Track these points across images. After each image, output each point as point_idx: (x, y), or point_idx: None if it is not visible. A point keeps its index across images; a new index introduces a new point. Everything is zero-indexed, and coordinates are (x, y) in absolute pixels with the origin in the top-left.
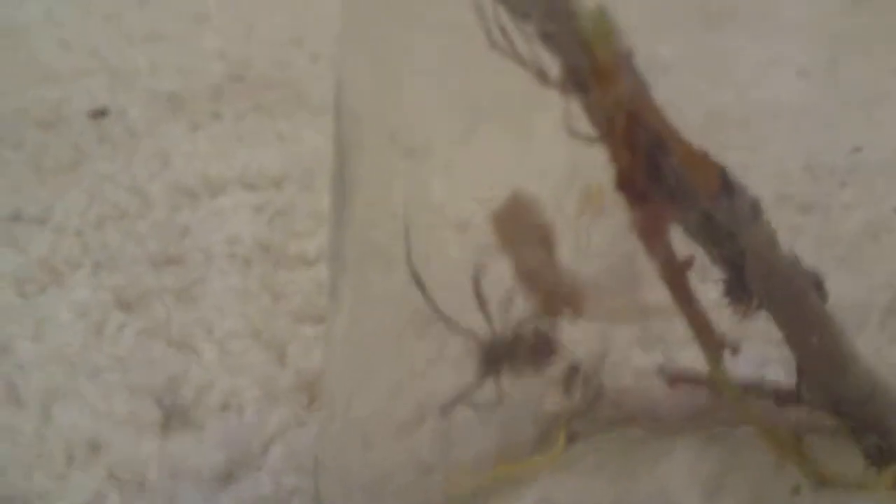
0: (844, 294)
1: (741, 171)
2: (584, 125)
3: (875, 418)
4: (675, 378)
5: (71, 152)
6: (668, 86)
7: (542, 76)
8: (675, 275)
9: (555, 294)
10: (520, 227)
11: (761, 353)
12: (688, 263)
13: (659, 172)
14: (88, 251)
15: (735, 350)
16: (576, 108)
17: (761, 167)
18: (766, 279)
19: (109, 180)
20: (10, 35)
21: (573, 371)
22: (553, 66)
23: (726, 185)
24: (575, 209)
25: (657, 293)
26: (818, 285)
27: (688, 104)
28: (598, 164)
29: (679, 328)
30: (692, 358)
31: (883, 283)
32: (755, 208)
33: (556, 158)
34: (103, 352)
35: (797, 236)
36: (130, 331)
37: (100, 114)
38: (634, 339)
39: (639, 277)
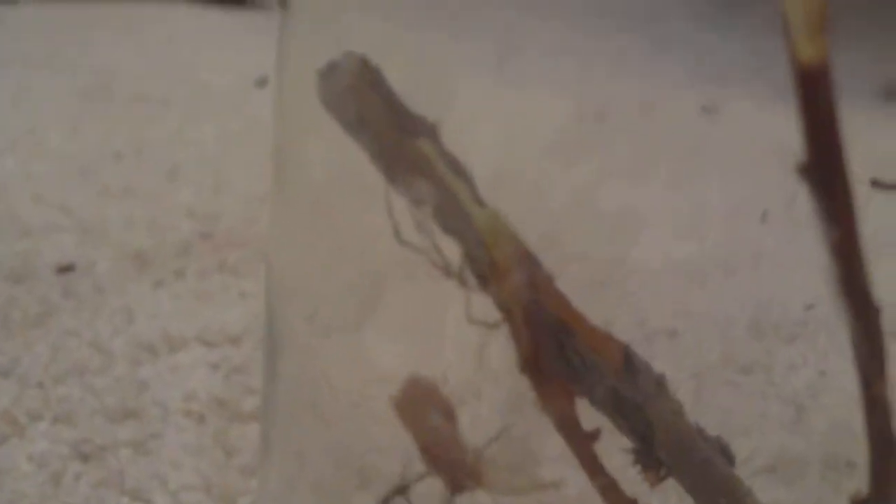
0: (784, 448)
1: (692, 330)
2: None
3: None
4: None
5: (38, 306)
6: (630, 234)
7: (444, 268)
8: (583, 446)
9: (458, 469)
10: (420, 408)
11: None
12: (594, 435)
13: (563, 352)
14: (49, 404)
15: None
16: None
17: (710, 324)
18: (674, 448)
19: (73, 335)
20: None
21: None
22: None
23: (629, 362)
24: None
25: (555, 468)
26: (724, 451)
27: (653, 256)
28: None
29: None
30: None
31: (823, 438)
32: (659, 383)
33: (460, 341)
34: (59, 501)
35: (738, 395)
36: (87, 481)
37: (67, 269)
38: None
39: (537, 452)
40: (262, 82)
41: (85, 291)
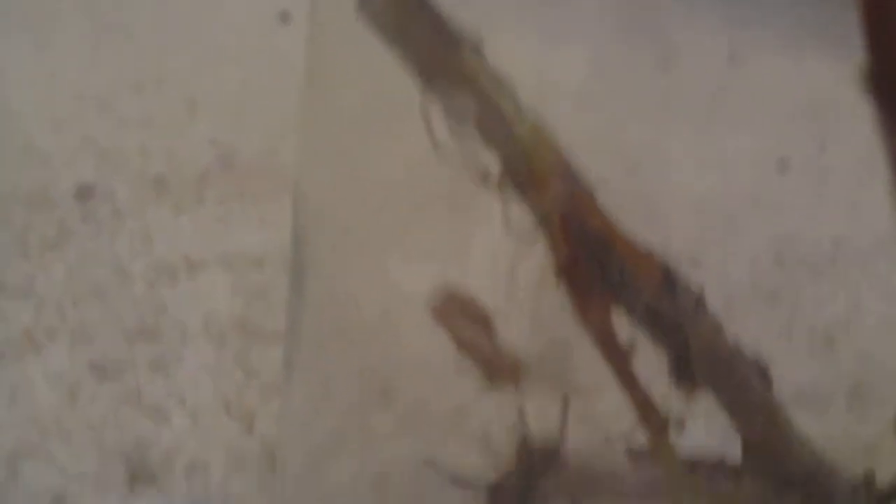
0: (811, 380)
1: (717, 260)
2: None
3: (822, 496)
4: (640, 458)
5: (57, 230)
6: (657, 174)
7: (482, 178)
8: (618, 359)
9: (496, 368)
10: (457, 315)
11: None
12: (631, 348)
13: (602, 268)
14: (67, 323)
15: (680, 427)
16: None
17: (737, 256)
18: (711, 367)
19: (92, 258)
20: (6, 118)
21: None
22: (494, 170)
23: (669, 281)
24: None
25: (591, 376)
26: (763, 372)
27: (674, 191)
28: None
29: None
30: None
31: (850, 368)
32: (699, 301)
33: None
34: (75, 416)
35: (765, 324)
36: (104, 399)
37: (86, 195)
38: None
39: (573, 357)
40: (284, 17)
41: (104, 216)
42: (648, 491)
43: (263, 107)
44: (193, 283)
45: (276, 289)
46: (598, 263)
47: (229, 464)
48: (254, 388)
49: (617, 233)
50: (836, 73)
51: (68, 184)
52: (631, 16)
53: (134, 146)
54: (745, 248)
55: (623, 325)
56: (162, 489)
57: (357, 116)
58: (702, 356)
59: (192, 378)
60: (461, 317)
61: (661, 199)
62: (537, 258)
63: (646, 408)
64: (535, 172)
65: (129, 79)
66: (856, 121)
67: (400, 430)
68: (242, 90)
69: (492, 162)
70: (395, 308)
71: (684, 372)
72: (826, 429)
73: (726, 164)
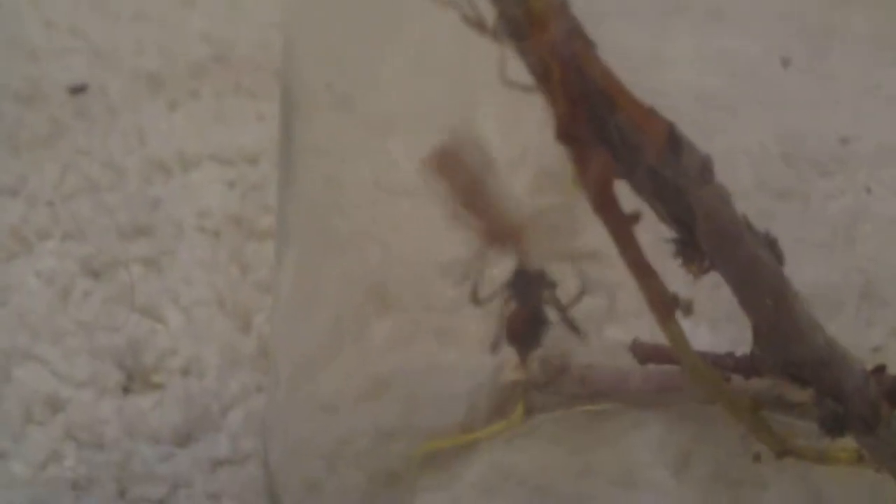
0: (820, 278)
1: (723, 156)
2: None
3: (832, 383)
4: (646, 354)
5: (48, 126)
6: (657, 72)
7: (478, 25)
8: (622, 229)
9: (497, 227)
10: (458, 162)
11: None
12: (634, 218)
13: (603, 128)
14: (59, 221)
15: (687, 310)
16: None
17: (743, 153)
18: (717, 238)
19: (84, 154)
20: None
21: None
22: (489, 14)
23: (674, 142)
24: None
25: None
26: (772, 245)
27: (676, 89)
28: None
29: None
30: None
31: (858, 268)
32: (706, 166)
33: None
34: (68, 317)
35: (773, 222)
36: (96, 297)
37: (79, 90)
38: (604, 315)
39: (579, 221)
40: None
41: (97, 112)
42: (657, 392)
43: (257, 1)
44: (188, 178)
45: (271, 184)
46: (598, 123)
47: (225, 363)
48: (249, 284)
49: (619, 86)
50: None
51: (60, 79)
52: None
53: (127, 40)
54: (754, 146)
55: (625, 193)
56: (157, 390)
57: None
58: (708, 227)
59: (186, 275)
60: (463, 162)
61: (662, 97)
62: (537, 111)
63: (651, 285)
64: (533, 12)
65: None
66: (855, 27)
67: (396, 336)
68: None
69: (487, 6)
70: (391, 201)
71: (691, 246)
72: (835, 332)
73: (727, 63)
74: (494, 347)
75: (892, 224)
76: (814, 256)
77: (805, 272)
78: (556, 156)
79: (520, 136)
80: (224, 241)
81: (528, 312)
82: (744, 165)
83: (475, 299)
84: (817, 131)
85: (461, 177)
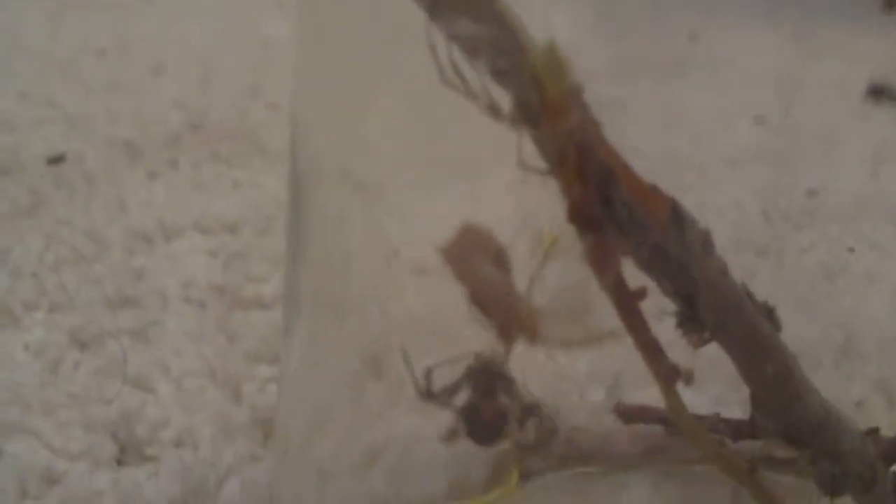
0: (800, 334)
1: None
2: (537, 160)
3: (829, 445)
4: (630, 415)
5: (29, 197)
6: (627, 130)
7: (493, 111)
8: (628, 305)
9: (510, 320)
10: (472, 254)
11: (717, 392)
12: (640, 294)
13: (609, 205)
14: (45, 293)
15: (689, 380)
16: (529, 144)
17: (719, 212)
18: (718, 309)
19: (67, 224)
20: None
21: (528, 410)
22: (504, 102)
23: (677, 217)
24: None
25: (609, 320)
26: (770, 314)
27: (646, 148)
28: (549, 212)
29: (634, 366)
30: (647, 397)
31: (837, 323)
32: (706, 240)
33: (510, 206)
34: (59, 389)
35: (753, 279)
36: (86, 369)
37: (57, 160)
38: (590, 377)
39: (591, 304)
40: None
41: (76, 182)
42: (644, 452)
43: (230, 69)
44: (170, 248)
45: (252, 252)
46: (605, 200)
47: (218, 433)
48: (237, 354)
49: (624, 165)
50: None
51: (38, 150)
52: None
53: (102, 110)
54: (727, 204)
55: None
56: (151, 461)
57: (355, 47)
58: (710, 299)
59: (175, 346)
60: (476, 256)
61: (630, 154)
62: (552, 195)
63: (655, 358)
64: (549, 100)
65: (92, 45)
66: (821, 89)
67: (393, 402)
68: (208, 53)
69: (502, 94)
70: (398, 268)
71: (692, 318)
72: (816, 387)
73: (697, 119)
74: (447, 439)
75: (869, 277)
76: (792, 312)
77: (785, 328)
78: (555, 220)
79: (523, 202)
80: (210, 311)
81: (486, 407)
82: (719, 223)
83: (426, 394)
84: (786, 185)
85: (474, 268)
